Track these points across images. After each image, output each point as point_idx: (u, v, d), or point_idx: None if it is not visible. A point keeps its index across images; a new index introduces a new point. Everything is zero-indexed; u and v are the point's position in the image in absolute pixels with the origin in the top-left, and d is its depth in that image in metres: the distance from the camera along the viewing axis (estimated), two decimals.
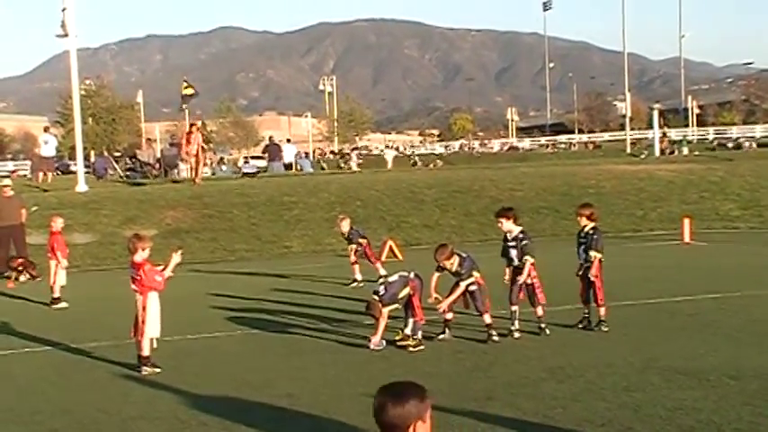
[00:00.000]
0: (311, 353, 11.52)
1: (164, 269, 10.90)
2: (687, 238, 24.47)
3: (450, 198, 31.34)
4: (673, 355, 10.30)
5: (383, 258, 22.43)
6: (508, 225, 11.93)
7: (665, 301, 14.39)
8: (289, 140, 58.92)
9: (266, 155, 51.59)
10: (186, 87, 40.86)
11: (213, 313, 15.23)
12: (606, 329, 11.91)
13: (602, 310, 12.08)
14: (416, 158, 73.53)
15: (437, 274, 11.69)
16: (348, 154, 74.12)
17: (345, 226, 18.82)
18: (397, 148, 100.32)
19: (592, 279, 12.04)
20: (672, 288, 15.73)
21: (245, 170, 50.25)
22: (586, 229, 12.22)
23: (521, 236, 11.88)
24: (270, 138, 51.16)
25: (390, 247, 23.77)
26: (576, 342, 11.43)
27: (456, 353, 11.05)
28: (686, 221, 25.06)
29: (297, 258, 25.46)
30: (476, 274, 11.67)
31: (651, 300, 14.53)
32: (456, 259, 11.56)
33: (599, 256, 12.07)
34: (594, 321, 12.08)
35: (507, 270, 12.03)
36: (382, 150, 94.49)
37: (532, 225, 27.51)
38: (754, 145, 67.30)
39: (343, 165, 62.85)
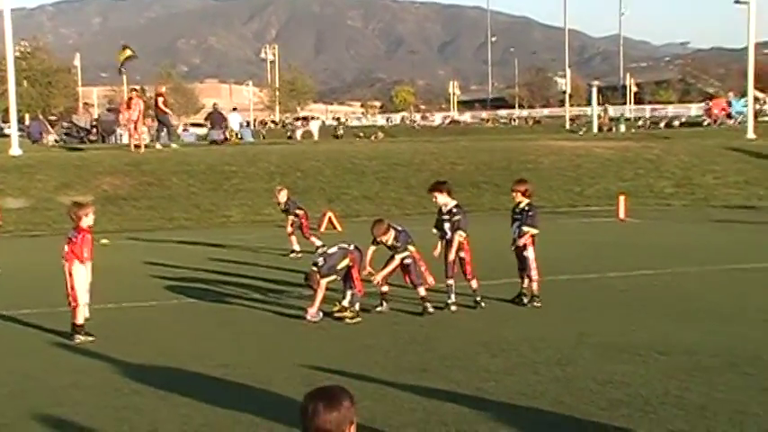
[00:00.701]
0: (248, 323, 11.49)
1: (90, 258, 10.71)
2: (622, 215, 24.84)
3: (390, 171, 31.38)
4: (605, 330, 10.48)
5: (322, 229, 22.42)
6: (443, 198, 11.99)
7: (598, 276, 14.63)
8: (235, 109, 58.24)
9: (208, 122, 50.96)
10: (124, 49, 40.11)
11: (149, 282, 15.09)
12: (538, 305, 12.06)
13: (535, 286, 12.22)
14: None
15: (372, 248, 11.76)
16: (292, 124, 73.40)
17: (283, 196, 18.80)
18: (338, 119, 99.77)
19: (525, 254, 12.20)
20: (606, 264, 15.99)
21: (184, 137, 49.63)
22: (521, 206, 12.33)
23: (454, 210, 11.93)
24: (214, 105, 50.46)
25: (330, 218, 23.77)
26: (510, 316, 11.56)
27: (393, 325, 11.11)
28: (621, 198, 25.42)
29: (236, 228, 25.31)
30: (411, 248, 11.75)
31: (585, 275, 14.75)
32: (392, 233, 11.63)
33: (534, 231, 12.21)
34: (529, 295, 12.23)
35: (439, 243, 12.10)
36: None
37: (472, 199, 27.68)
38: (676, 123, 67.92)
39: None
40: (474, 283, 12.11)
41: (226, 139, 44.50)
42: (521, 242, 12.17)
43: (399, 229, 11.81)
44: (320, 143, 46.48)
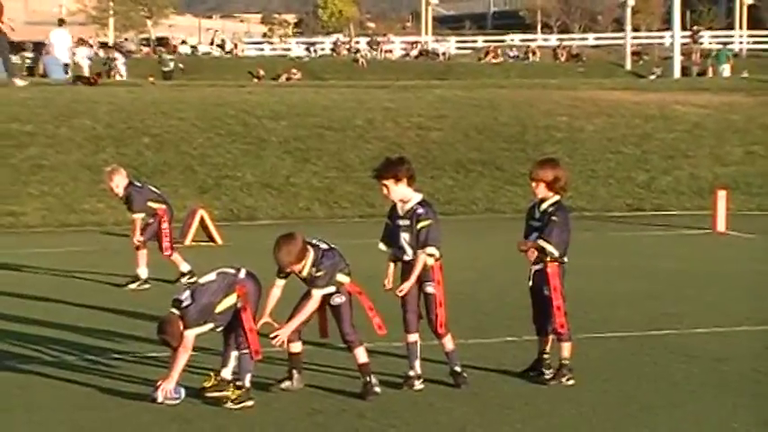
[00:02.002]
0: (52, 407, 11.46)
1: None
2: (721, 225, 25.02)
3: (312, 139, 31.34)
4: (683, 430, 10.59)
5: (188, 241, 22.38)
6: (399, 191, 11.84)
7: (676, 333, 14.80)
8: (63, 22, 57.23)
9: None
10: None
11: None
12: (570, 382, 12.14)
13: (565, 348, 12.29)
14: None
15: (280, 283, 11.63)
16: (115, 53, 71.62)
17: (119, 182, 18.63)
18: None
19: (546, 293, 12.26)
20: (690, 313, 16.21)
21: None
22: (544, 206, 12.29)
23: (420, 210, 11.89)
24: None
25: (202, 220, 23.67)
26: (517, 402, 11.61)
27: (309, 415, 11.13)
28: (721, 195, 25.53)
29: (32, 236, 25.14)
30: (342, 278, 11.67)
31: (652, 331, 14.91)
32: (309, 257, 11.54)
33: (557, 253, 12.21)
34: (554, 365, 12.30)
35: (390, 268, 12.07)
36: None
37: (453, 191, 27.87)
38: None
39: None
40: (449, 342, 12.13)
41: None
42: (530, 254, 12.15)
43: (323, 246, 11.70)
44: (186, 87, 46.29)
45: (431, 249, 11.76)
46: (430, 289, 11.91)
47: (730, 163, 31.75)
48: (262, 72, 71.93)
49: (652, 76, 61.26)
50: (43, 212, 27.04)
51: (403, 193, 11.88)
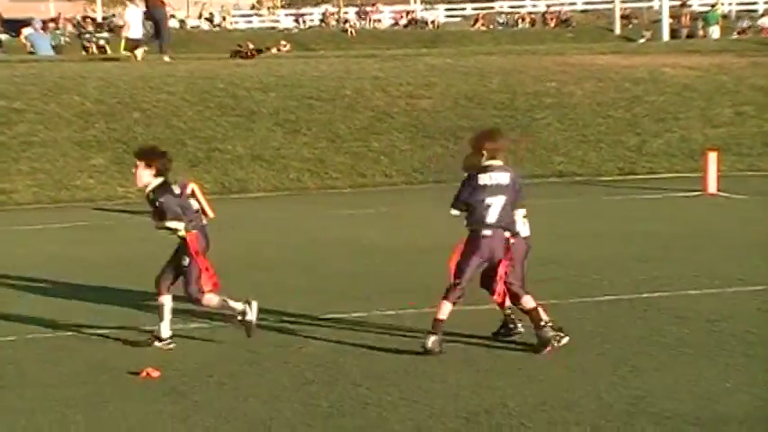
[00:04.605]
0: (42, 385, 11.42)
1: None
2: (712, 187, 25.03)
3: (302, 110, 31.25)
4: (679, 391, 10.60)
5: None
6: (143, 175, 13.15)
7: (668, 295, 14.83)
8: None
9: None
10: None
11: None
12: (559, 341, 12.21)
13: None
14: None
15: None
16: (90, 32, 70.51)
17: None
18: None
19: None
20: (682, 274, 16.21)
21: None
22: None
23: (151, 194, 13.21)
24: None
25: (193, 193, 23.57)
26: (510, 366, 11.65)
27: (303, 385, 11.12)
28: (711, 157, 25.55)
29: (24, 213, 25.10)
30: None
31: (644, 293, 14.94)
32: None
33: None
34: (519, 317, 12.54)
35: None
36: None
37: (444, 159, 27.74)
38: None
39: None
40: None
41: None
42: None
43: None
44: (175, 61, 46.22)
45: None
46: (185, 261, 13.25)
47: (721, 124, 31.70)
48: (251, 45, 71.47)
49: (641, 40, 60.97)
50: (34, 189, 26.96)
51: (146, 180, 13.24)
